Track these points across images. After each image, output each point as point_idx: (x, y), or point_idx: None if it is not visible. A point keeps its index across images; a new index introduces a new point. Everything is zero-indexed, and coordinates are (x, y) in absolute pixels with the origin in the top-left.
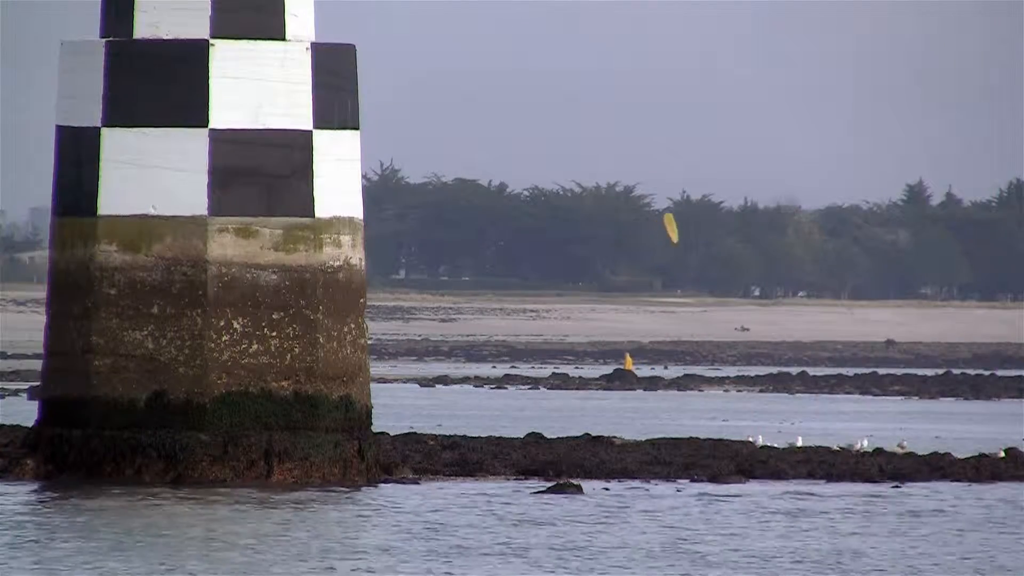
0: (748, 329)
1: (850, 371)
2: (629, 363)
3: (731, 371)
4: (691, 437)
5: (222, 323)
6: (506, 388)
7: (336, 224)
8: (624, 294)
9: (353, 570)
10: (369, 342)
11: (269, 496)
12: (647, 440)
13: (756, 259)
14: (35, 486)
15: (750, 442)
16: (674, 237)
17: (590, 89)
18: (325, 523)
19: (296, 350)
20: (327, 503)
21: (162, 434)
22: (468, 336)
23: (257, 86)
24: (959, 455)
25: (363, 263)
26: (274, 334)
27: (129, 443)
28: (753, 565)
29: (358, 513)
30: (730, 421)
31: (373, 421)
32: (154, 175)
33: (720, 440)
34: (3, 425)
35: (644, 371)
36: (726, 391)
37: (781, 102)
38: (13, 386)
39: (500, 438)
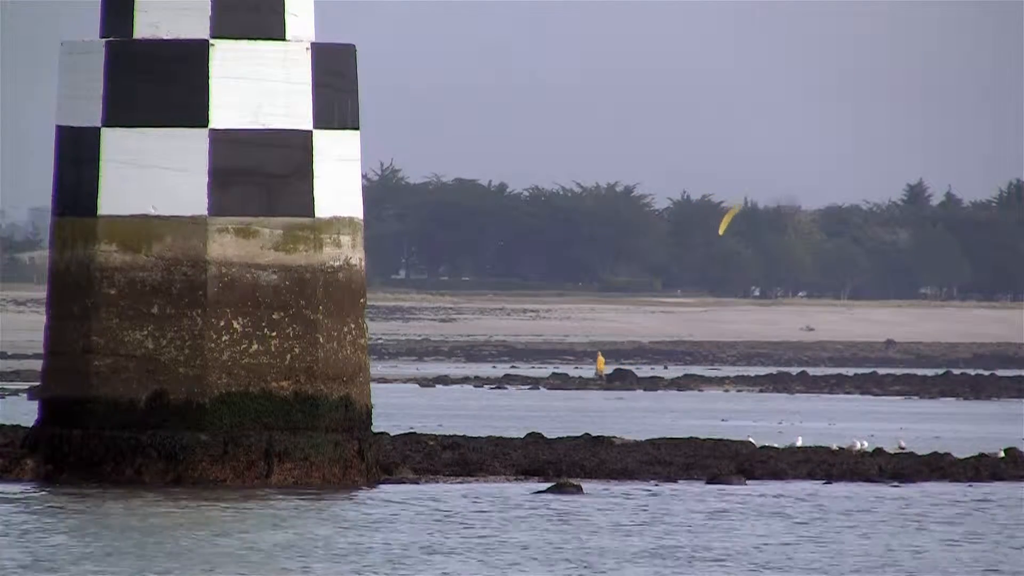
0: (814, 329)
1: (850, 371)
2: (601, 363)
3: (731, 371)
4: (691, 437)
5: (222, 323)
6: (506, 388)
7: (336, 224)
8: (624, 294)
9: (353, 571)
10: (371, 343)
11: (269, 496)
12: (647, 440)
13: (756, 259)
14: (35, 486)
15: (750, 442)
16: (722, 229)
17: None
18: (325, 523)
19: (296, 350)
20: (327, 503)
21: (162, 434)
22: (468, 336)
23: (257, 86)
24: (959, 455)
25: (363, 263)
26: (274, 334)
27: (129, 443)
28: (753, 565)
29: (358, 513)
30: (730, 421)
31: (373, 421)
32: (154, 175)
33: (720, 440)
34: (3, 425)
35: (644, 371)
36: (726, 391)
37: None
38: (13, 386)
39: (500, 438)
